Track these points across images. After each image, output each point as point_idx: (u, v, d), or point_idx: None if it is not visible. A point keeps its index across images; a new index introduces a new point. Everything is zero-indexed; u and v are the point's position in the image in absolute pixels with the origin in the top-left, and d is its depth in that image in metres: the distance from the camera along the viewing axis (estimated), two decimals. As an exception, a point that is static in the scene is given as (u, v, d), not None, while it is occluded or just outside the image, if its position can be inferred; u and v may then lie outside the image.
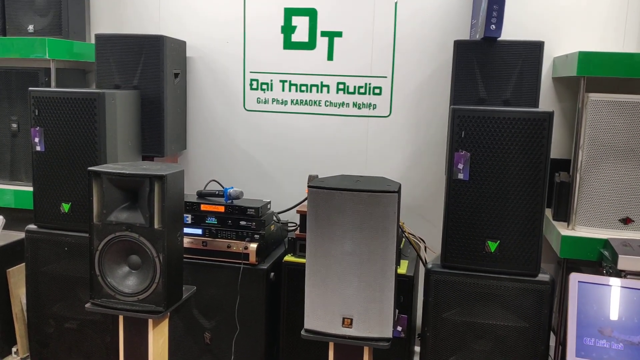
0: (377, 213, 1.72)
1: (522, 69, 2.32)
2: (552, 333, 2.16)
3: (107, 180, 1.93)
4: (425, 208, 2.74)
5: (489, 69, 2.33)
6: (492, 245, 1.97)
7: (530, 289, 1.97)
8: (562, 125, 2.57)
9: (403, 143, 2.76)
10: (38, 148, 2.28)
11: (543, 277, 1.98)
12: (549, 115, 1.89)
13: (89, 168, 1.94)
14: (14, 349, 2.62)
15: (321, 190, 1.77)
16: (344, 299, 1.78)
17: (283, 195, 2.79)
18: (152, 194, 1.90)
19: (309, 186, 1.79)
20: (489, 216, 1.96)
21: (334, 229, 1.76)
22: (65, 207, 2.30)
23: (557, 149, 2.50)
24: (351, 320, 1.78)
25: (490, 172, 1.94)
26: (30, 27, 2.73)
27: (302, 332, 1.83)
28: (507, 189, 1.94)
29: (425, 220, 2.73)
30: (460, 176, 1.96)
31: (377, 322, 1.77)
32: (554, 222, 2.33)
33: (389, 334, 1.77)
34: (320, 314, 1.81)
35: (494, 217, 1.96)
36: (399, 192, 1.75)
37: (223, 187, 2.43)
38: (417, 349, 2.75)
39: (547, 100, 2.58)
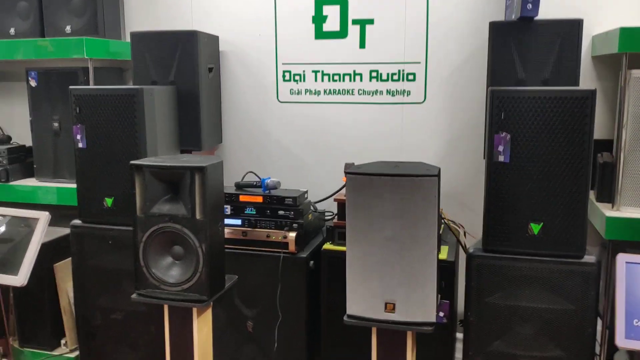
0: (417, 198, 1.71)
1: (560, 48, 2.26)
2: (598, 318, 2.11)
3: (148, 173, 1.97)
4: (464, 194, 2.71)
5: (526, 49, 2.28)
6: (535, 228, 1.94)
7: (576, 271, 1.93)
8: (603, 106, 2.51)
9: (439, 129, 2.74)
10: (80, 145, 2.34)
11: (589, 258, 1.94)
12: (592, 93, 1.85)
13: (131, 162, 1.98)
14: (62, 342, 2.70)
15: (359, 176, 1.76)
16: (386, 284, 1.78)
17: (319, 185, 2.80)
18: (193, 185, 1.93)
19: (346, 173, 1.79)
20: (531, 198, 1.93)
21: (373, 215, 1.76)
22: (109, 201, 2.35)
23: (598, 130, 2.42)
24: (394, 305, 1.78)
25: (532, 153, 1.91)
26: (68, 28, 2.79)
27: (345, 318, 1.84)
28: (549, 170, 1.90)
29: (464, 206, 2.71)
30: (501, 158, 1.93)
31: (420, 306, 1.76)
32: (598, 204, 2.27)
33: (432, 318, 1.77)
34: (362, 300, 1.81)
35: (536, 199, 1.92)
36: (438, 175, 1.74)
37: (260, 178, 2.45)
38: (460, 335, 2.73)
39: (587, 80, 2.51)
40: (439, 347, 2.22)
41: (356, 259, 1.80)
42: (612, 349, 2.35)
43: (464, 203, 2.71)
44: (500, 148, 1.93)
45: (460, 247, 2.45)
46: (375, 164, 1.90)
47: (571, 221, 1.91)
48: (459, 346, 2.61)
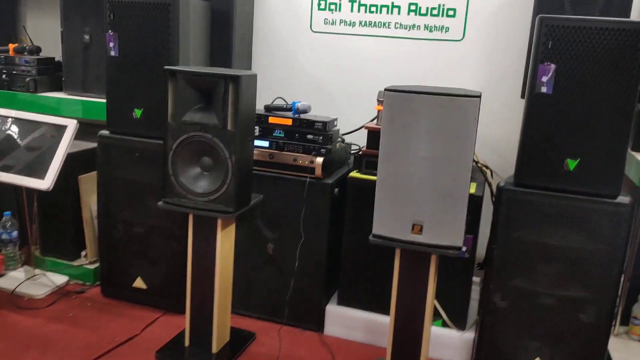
0: (456, 118, 1.67)
1: (612, -15, 2.17)
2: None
3: (182, 80, 1.94)
4: (496, 140, 2.66)
5: (576, -15, 2.20)
6: (572, 164, 1.89)
7: (609, 211, 1.89)
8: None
9: (475, 68, 2.67)
10: (112, 53, 2.31)
11: (623, 199, 1.89)
12: (646, 26, 1.77)
13: (166, 67, 1.96)
14: (83, 253, 2.73)
15: (399, 93, 1.72)
16: (415, 205, 1.75)
17: (347, 119, 2.76)
18: (226, 95, 1.91)
19: (386, 89, 1.74)
20: (571, 133, 1.88)
21: (409, 134, 1.73)
22: (138, 113, 2.33)
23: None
24: (421, 227, 1.77)
25: (576, 86, 1.85)
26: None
27: (370, 237, 1.83)
28: (592, 105, 1.84)
29: (494, 152, 2.66)
30: (544, 89, 1.87)
31: (448, 229, 1.74)
32: (633, 153, 2.22)
33: (459, 242, 1.75)
34: (389, 220, 1.79)
35: (575, 134, 1.87)
36: (479, 98, 1.69)
37: (289, 103, 2.42)
38: (476, 279, 2.73)
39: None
40: (456, 282, 2.21)
41: (387, 178, 1.77)
42: (632, 300, 2.34)
43: (495, 149, 2.66)
44: (544, 79, 1.87)
45: (488, 187, 2.41)
46: (414, 86, 1.85)
47: (609, 159, 1.86)
48: (475, 288, 2.61)
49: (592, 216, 1.91)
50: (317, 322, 2.38)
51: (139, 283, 2.48)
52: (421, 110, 1.70)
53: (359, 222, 2.28)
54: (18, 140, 2.49)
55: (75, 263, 2.71)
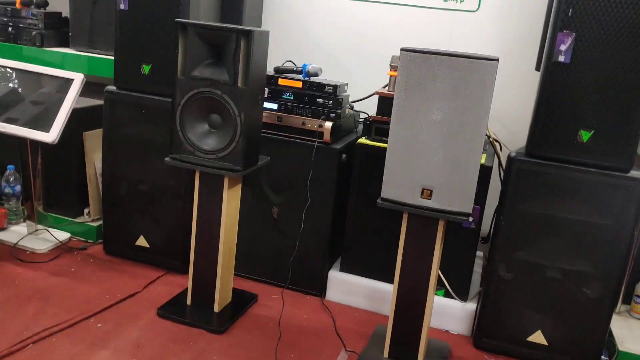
0: (474, 81, 1.64)
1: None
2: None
3: (193, 33, 1.90)
4: (506, 112, 2.63)
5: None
6: (585, 135, 1.87)
7: (621, 185, 1.87)
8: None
9: (489, 40, 2.62)
10: (122, 6, 2.26)
11: (636, 174, 1.87)
12: (671, -4, 1.73)
13: (177, 19, 1.92)
14: (86, 211, 2.72)
15: (416, 54, 1.69)
16: (426, 169, 1.73)
17: (357, 86, 2.72)
18: (237, 50, 1.87)
19: (402, 49, 1.71)
20: (587, 103, 1.85)
21: (424, 96, 1.69)
22: (146, 68, 2.30)
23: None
24: (431, 191, 1.75)
25: (595, 56, 1.81)
26: None
27: (378, 201, 1.80)
28: (610, 76, 1.81)
29: (504, 126, 2.63)
30: (561, 58, 1.84)
31: (458, 195, 1.72)
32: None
33: (469, 208, 1.73)
34: (398, 183, 1.77)
35: (591, 105, 1.84)
36: (498, 61, 1.65)
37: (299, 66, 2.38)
38: (480, 253, 2.72)
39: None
40: (460, 252, 2.20)
41: (398, 141, 1.74)
42: (635, 278, 2.33)
43: (506, 124, 2.63)
44: (562, 47, 1.83)
45: (498, 159, 2.39)
46: (430, 49, 1.81)
47: (624, 132, 1.84)
48: (478, 262, 2.61)
49: (603, 190, 1.89)
50: (319, 287, 2.38)
51: (141, 242, 2.47)
52: (438, 72, 1.67)
53: (366, 189, 2.26)
54: (23, 93, 2.46)
55: (78, 220, 2.69)
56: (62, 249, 2.54)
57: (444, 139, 1.70)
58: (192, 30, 1.90)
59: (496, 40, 2.62)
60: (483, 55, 1.66)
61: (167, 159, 2.00)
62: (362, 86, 2.69)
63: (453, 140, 1.69)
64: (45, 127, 2.33)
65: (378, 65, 2.72)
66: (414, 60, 1.69)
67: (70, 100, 2.33)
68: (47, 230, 2.62)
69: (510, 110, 2.62)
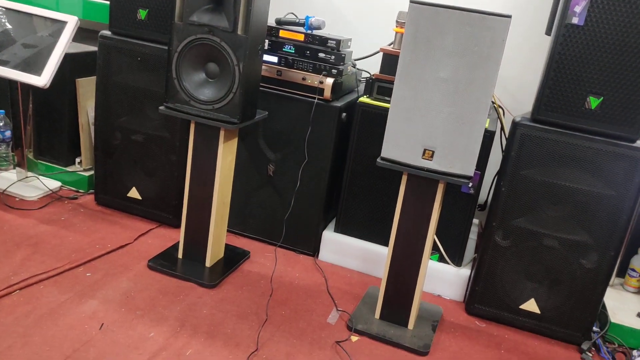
0: (484, 38, 1.57)
1: None
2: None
3: (193, -24, 1.81)
4: (512, 78, 2.56)
5: None
6: (594, 102, 1.81)
7: (626, 155, 1.83)
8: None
9: (497, 3, 2.54)
10: (119, -54, 2.16)
11: (642, 144, 1.83)
12: (695, -41, 1.65)
13: (176, -40, 1.82)
14: (77, 160, 2.66)
15: (426, 7, 1.61)
16: (429, 129, 1.68)
17: (362, 45, 2.64)
18: (238, -4, 1.79)
19: (411, 1, 1.63)
20: (598, 69, 1.79)
21: (432, 52, 1.63)
22: (142, 13, 2.21)
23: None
24: (432, 152, 1.70)
25: (611, 20, 1.74)
26: None
27: (378, 160, 1.76)
28: (625, 41, 1.75)
29: (509, 93, 2.56)
30: (575, 20, 1.77)
31: (460, 157, 1.67)
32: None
33: (470, 171, 1.68)
34: (400, 143, 1.72)
35: (602, 71, 1.78)
36: (510, 18, 1.58)
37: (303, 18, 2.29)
38: (476, 220, 2.70)
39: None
40: (456, 216, 2.17)
41: (402, 99, 1.69)
42: (630, 252, 2.31)
43: (511, 90, 2.56)
44: (577, 9, 1.76)
45: (501, 124, 2.34)
46: (440, 3, 1.73)
47: (634, 100, 1.78)
48: (473, 229, 2.59)
49: (608, 159, 1.85)
50: (312, 247, 2.35)
51: (133, 193, 2.42)
52: (447, 27, 1.60)
53: (365, 149, 2.21)
54: (15, 35, 2.37)
55: (69, 169, 2.64)
56: (52, 197, 2.49)
57: (449, 97, 1.64)
58: (191, -28, 1.81)
59: (504, 3, 2.53)
60: (495, 12, 1.59)
61: (161, 107, 1.94)
62: (366, 45, 2.62)
63: (459, 100, 1.63)
64: (37, 70, 2.25)
65: (383, 21, 2.63)
66: (423, 14, 1.61)
67: (63, 44, 2.24)
68: (37, 178, 2.56)
69: (517, 76, 2.55)
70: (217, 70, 1.89)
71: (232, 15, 1.80)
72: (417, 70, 1.65)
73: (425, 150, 1.70)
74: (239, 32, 1.81)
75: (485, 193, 2.61)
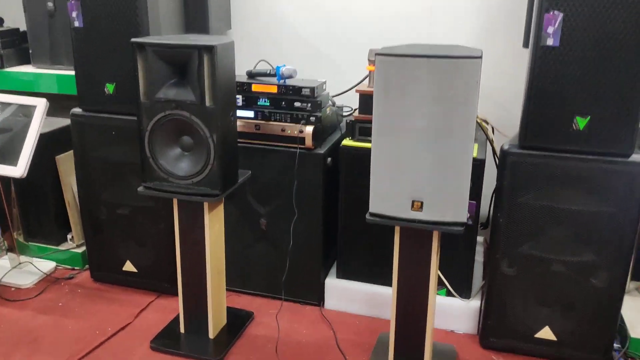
0: (457, 82, 1.51)
1: None
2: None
3: (152, 53, 1.76)
4: (496, 89, 2.49)
5: None
6: (581, 122, 1.75)
7: (622, 171, 1.76)
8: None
9: (474, 11, 2.47)
10: (76, 24, 2.11)
11: (637, 157, 1.76)
12: (664, -35, 1.58)
13: (132, 39, 1.77)
14: (69, 236, 2.61)
15: (392, 57, 1.55)
16: (414, 180, 1.62)
17: (338, 77, 2.57)
18: (201, 67, 1.73)
19: (377, 54, 1.57)
20: (580, 88, 1.72)
21: (405, 103, 1.56)
22: (110, 87, 2.16)
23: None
24: (421, 203, 1.63)
25: (586, 37, 1.68)
26: None
27: (367, 216, 1.70)
28: (604, 57, 1.68)
29: (494, 102, 2.50)
30: (549, 42, 1.70)
31: (450, 204, 1.61)
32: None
33: (463, 217, 1.62)
34: (386, 197, 1.66)
35: (585, 90, 1.72)
36: (481, 58, 1.52)
37: (274, 67, 2.24)
38: (480, 238, 2.63)
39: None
40: (459, 250, 2.11)
41: (383, 153, 1.63)
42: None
43: (495, 99, 2.50)
44: (550, 30, 1.69)
45: (491, 145, 2.27)
46: (407, 47, 1.67)
47: (622, 115, 1.72)
48: (478, 249, 2.52)
49: (604, 177, 1.78)
50: (317, 296, 2.29)
51: (128, 267, 2.37)
52: (417, 76, 1.53)
53: (355, 191, 2.15)
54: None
55: (62, 247, 2.59)
56: (48, 280, 2.45)
57: (430, 146, 1.58)
58: (150, 49, 1.76)
59: (481, 10, 2.46)
60: (465, 53, 1.53)
61: (140, 188, 1.89)
62: (344, 74, 2.55)
63: (440, 147, 1.57)
64: (12, 160, 2.20)
65: (359, 48, 2.56)
66: (391, 65, 1.55)
67: (35, 130, 2.20)
68: (31, 263, 2.52)
69: (500, 87, 2.48)
70: (191, 143, 1.84)
71: (198, 88, 1.75)
72: (393, 122, 1.59)
73: (413, 202, 1.64)
74: (207, 103, 1.76)
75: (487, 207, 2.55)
